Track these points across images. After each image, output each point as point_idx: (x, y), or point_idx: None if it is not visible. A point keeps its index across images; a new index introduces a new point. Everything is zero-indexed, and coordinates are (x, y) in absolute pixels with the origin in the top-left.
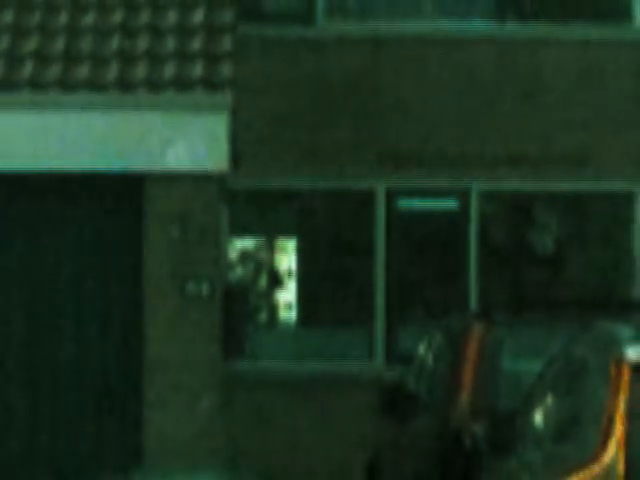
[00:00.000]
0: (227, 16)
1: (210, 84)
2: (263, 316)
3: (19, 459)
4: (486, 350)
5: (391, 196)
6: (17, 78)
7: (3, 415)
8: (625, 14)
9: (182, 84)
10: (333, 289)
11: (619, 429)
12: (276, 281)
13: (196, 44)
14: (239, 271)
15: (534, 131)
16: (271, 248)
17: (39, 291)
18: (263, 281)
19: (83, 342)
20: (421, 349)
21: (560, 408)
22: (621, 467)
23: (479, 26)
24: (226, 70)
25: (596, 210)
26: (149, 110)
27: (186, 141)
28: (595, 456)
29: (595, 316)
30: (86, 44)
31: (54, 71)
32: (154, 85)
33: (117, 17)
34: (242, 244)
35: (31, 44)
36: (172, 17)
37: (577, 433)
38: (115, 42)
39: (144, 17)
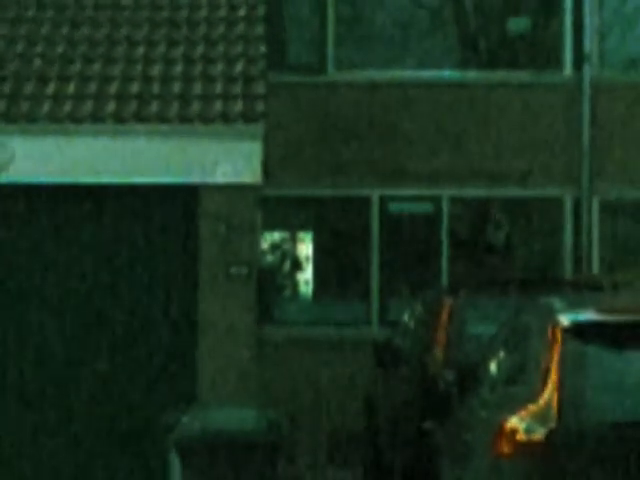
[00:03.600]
0: (260, 67)
1: (248, 118)
2: (287, 291)
3: (96, 402)
4: (454, 317)
5: (383, 201)
6: (102, 113)
7: (81, 352)
8: (557, 64)
9: (227, 118)
10: (340, 271)
11: (554, 376)
12: (297, 265)
13: (237, 88)
14: (269, 258)
15: (490, 153)
16: (293, 240)
17: (121, 273)
18: (287, 265)
19: (154, 312)
20: (405, 316)
21: (509, 360)
22: (555, 404)
23: (448, 74)
24: (260, 108)
25: (536, 212)
26: (202, 137)
27: (230, 160)
28: (536, 396)
29: (536, 292)
30: (155, 88)
31: (131, 108)
32: (206, 119)
33: (178, 68)
34: (271, 237)
35: (112, 88)
36: (220, 67)
37: (522, 379)
38: (177, 86)
39: (199, 67)
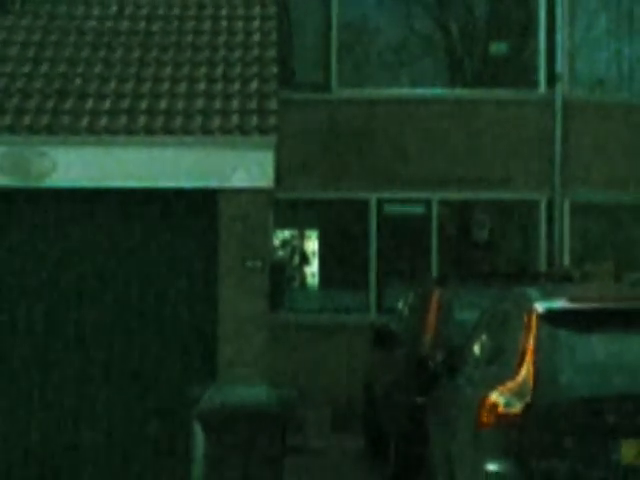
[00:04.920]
0: (272, 86)
1: (262, 131)
2: (296, 282)
3: (129, 378)
4: (442, 305)
5: (380, 204)
6: (134, 127)
7: (115, 336)
8: (533, 83)
9: (244, 131)
10: (342, 265)
11: (529, 357)
12: (304, 259)
13: (253, 104)
14: (280, 252)
15: (474, 161)
16: (301, 237)
17: (152, 266)
18: (296, 259)
19: (178, 300)
20: (400, 304)
21: (491, 343)
22: (531, 381)
23: (438, 91)
24: (272, 121)
25: (515, 212)
26: (222, 148)
27: (246, 168)
28: (514, 374)
29: (514, 283)
30: (180, 104)
31: (159, 122)
32: (225, 131)
33: (201, 86)
34: (282, 235)
35: (143, 104)
36: (237, 86)
37: (502, 359)
38: (199, 103)
39: (219, 86)
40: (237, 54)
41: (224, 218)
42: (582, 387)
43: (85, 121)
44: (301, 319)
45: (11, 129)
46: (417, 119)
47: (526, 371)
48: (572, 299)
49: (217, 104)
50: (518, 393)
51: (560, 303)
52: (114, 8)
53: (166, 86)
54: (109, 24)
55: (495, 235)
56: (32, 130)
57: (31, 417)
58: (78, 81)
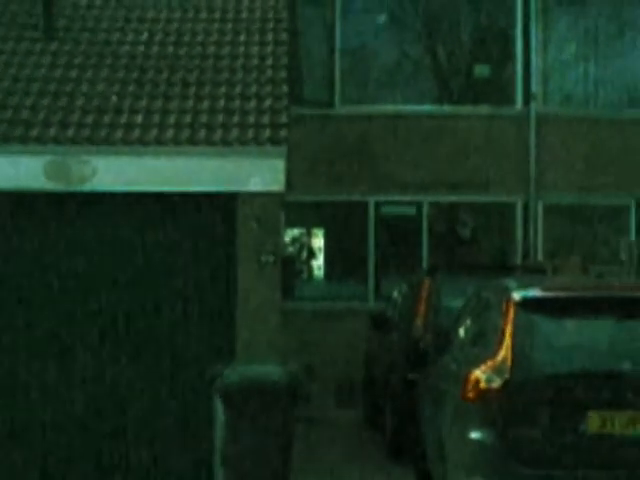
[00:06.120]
0: (283, 103)
1: (274, 142)
2: (304, 274)
3: (157, 357)
4: (432, 293)
5: (377, 205)
6: (164, 138)
7: (146, 320)
8: (510, 101)
9: (259, 142)
10: (344, 259)
11: (508, 339)
12: (311, 254)
13: (266, 119)
14: (290, 248)
15: (459, 168)
16: (309, 235)
17: (180, 259)
18: (304, 254)
19: (203, 289)
20: (394, 293)
21: (474, 327)
22: (509, 360)
23: (427, 108)
24: (283, 134)
25: (494, 213)
26: (240, 157)
27: (260, 174)
28: (494, 354)
29: (494, 275)
30: (203, 119)
31: (185, 134)
32: (243, 142)
33: (221, 103)
34: (292, 233)
35: (171, 119)
36: (252, 103)
37: (483, 341)
38: (220, 117)
39: (237, 103)
40: (253, 75)
41: (242, 218)
42: (553, 365)
43: (120, 133)
44: (308, 306)
45: (56, 140)
46: (409, 132)
47: (504, 351)
48: (545, 289)
49: (235, 119)
50: (498, 370)
51: (534, 292)
52: (145, 35)
53: (191, 103)
54: (141, 49)
55: (477, 233)
56: (74, 141)
57: (70, 392)
58: (114, 99)
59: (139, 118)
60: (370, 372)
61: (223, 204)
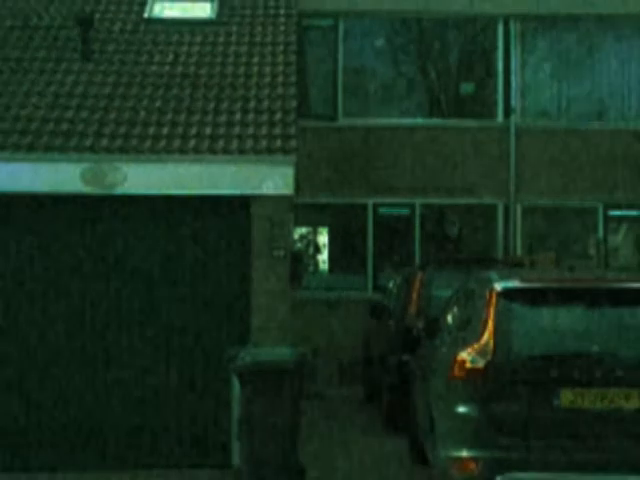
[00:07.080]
0: (292, 116)
1: (285, 151)
2: (311, 268)
3: (178, 340)
4: (423, 285)
5: (375, 207)
6: (186, 148)
7: (173, 307)
8: (492, 114)
9: (271, 151)
10: (346, 254)
11: (490, 325)
12: (317, 250)
13: (277, 130)
14: (299, 245)
15: (448, 174)
16: (315, 233)
17: (201, 254)
18: (311, 250)
19: (221, 280)
20: (390, 284)
21: (461, 314)
22: (491, 344)
23: (420, 121)
24: (292, 144)
25: (478, 214)
26: (254, 164)
27: (272, 179)
28: (478, 338)
29: (479, 268)
30: (221, 130)
31: (205, 144)
32: (257, 151)
33: (237, 116)
34: (300, 231)
35: (193, 130)
36: (265, 117)
37: (469, 327)
38: (236, 129)
39: (251, 116)
40: (265, 92)
41: (256, 218)
42: (530, 348)
43: (148, 143)
44: (315, 296)
45: (92, 149)
46: (404, 142)
47: (487, 336)
48: (523, 280)
49: (250, 130)
50: (481, 352)
51: (514, 283)
52: (171, 56)
53: (210, 117)
54: (167, 68)
55: (463, 231)
56: (108, 150)
57: (98, 374)
58: (143, 113)
59: (165, 130)
60: (369, 354)
61: (239, 206)
